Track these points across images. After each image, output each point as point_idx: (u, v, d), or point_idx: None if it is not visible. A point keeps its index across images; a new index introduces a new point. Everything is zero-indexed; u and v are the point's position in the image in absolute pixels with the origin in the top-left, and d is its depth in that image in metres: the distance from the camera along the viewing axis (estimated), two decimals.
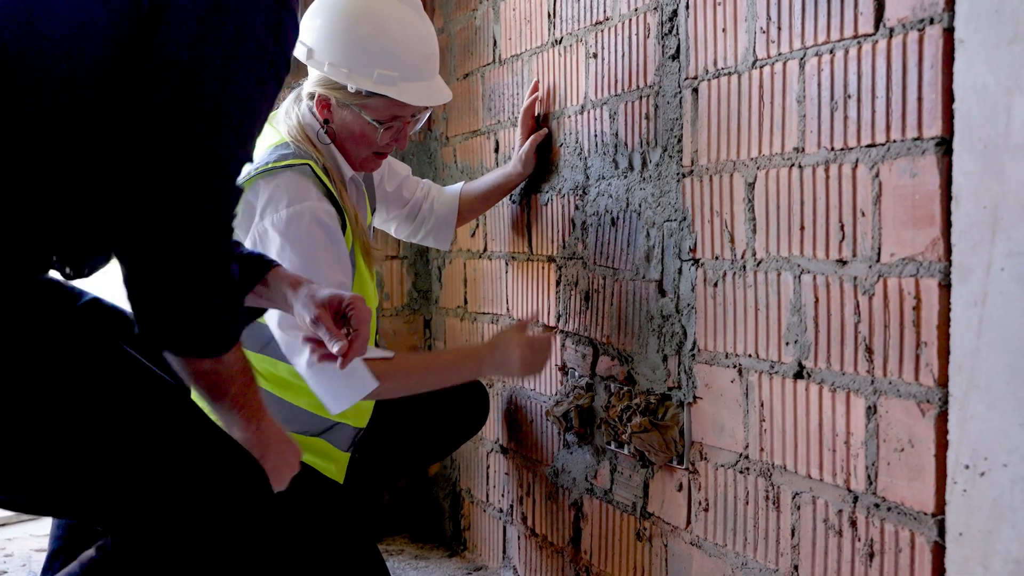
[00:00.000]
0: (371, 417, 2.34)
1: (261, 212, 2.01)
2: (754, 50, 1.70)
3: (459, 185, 2.58)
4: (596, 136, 2.20)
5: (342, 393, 1.99)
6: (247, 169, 2.00)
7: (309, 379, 1.98)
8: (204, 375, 1.42)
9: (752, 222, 1.71)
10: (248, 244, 2.02)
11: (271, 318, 2.00)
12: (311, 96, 2.14)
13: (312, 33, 2.11)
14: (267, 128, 2.18)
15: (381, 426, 2.43)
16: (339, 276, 2.01)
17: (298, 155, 2.08)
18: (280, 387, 2.11)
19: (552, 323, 2.42)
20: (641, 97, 2.03)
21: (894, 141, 1.42)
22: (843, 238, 1.52)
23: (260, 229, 2.00)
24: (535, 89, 2.42)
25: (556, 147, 2.37)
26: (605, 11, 2.15)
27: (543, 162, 2.42)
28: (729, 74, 1.76)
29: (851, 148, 1.50)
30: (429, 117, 3.16)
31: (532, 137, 2.39)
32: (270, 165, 2.03)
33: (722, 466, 1.81)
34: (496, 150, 2.71)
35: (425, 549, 3.06)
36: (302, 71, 2.18)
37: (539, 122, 2.42)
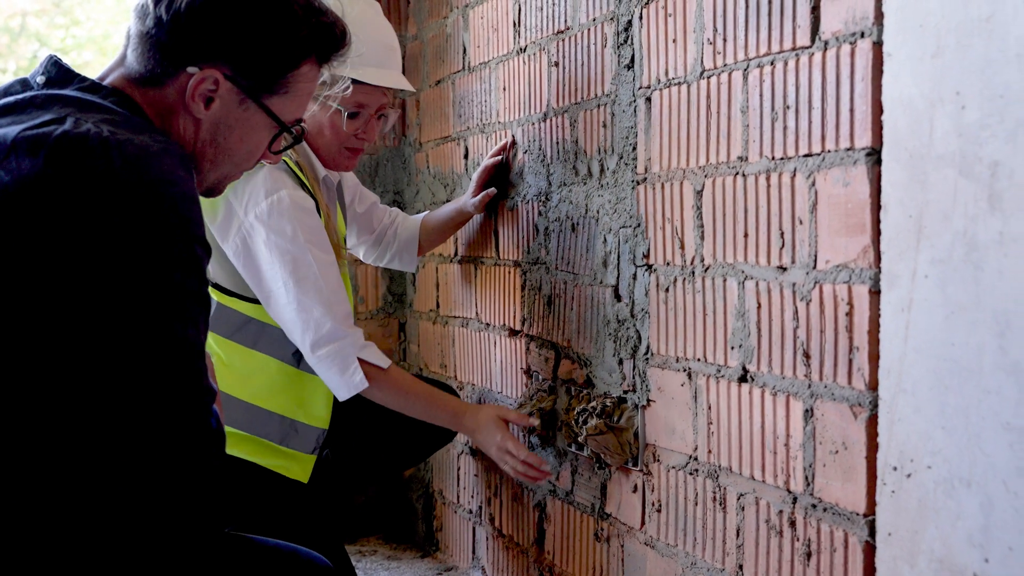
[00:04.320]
0: (347, 422, 2.40)
1: (245, 209, 2.10)
2: (702, 61, 1.73)
3: (422, 214, 2.67)
4: (558, 143, 2.24)
5: (340, 386, 2.14)
6: None
7: (313, 365, 2.13)
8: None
9: (700, 229, 1.75)
10: (237, 241, 2.10)
11: (278, 296, 2.09)
12: (299, 136, 2.19)
13: None
14: None
15: (357, 431, 2.48)
16: (324, 255, 2.11)
17: None
18: (241, 382, 2.15)
19: (517, 327, 2.45)
20: (599, 105, 2.06)
21: (829, 151, 1.46)
22: (783, 245, 1.56)
23: (247, 225, 2.09)
24: (501, 151, 2.48)
25: (521, 155, 2.41)
26: (566, 20, 2.19)
27: (503, 178, 2.48)
28: (679, 84, 1.80)
29: (790, 157, 1.53)
30: (404, 121, 3.20)
31: (483, 195, 2.50)
32: None
33: (673, 468, 1.85)
34: (466, 156, 2.75)
35: (398, 550, 3.09)
36: None
37: (497, 171, 2.50)
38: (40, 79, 1.36)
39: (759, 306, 1.61)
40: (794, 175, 1.53)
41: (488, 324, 2.63)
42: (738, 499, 1.67)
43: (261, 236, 2.08)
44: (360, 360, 2.13)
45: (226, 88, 1.41)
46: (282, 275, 2.08)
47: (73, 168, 1.22)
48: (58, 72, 1.36)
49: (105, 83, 1.38)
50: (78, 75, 1.36)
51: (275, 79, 1.45)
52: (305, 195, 2.13)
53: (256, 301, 2.15)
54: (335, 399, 2.25)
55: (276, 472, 2.19)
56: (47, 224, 1.21)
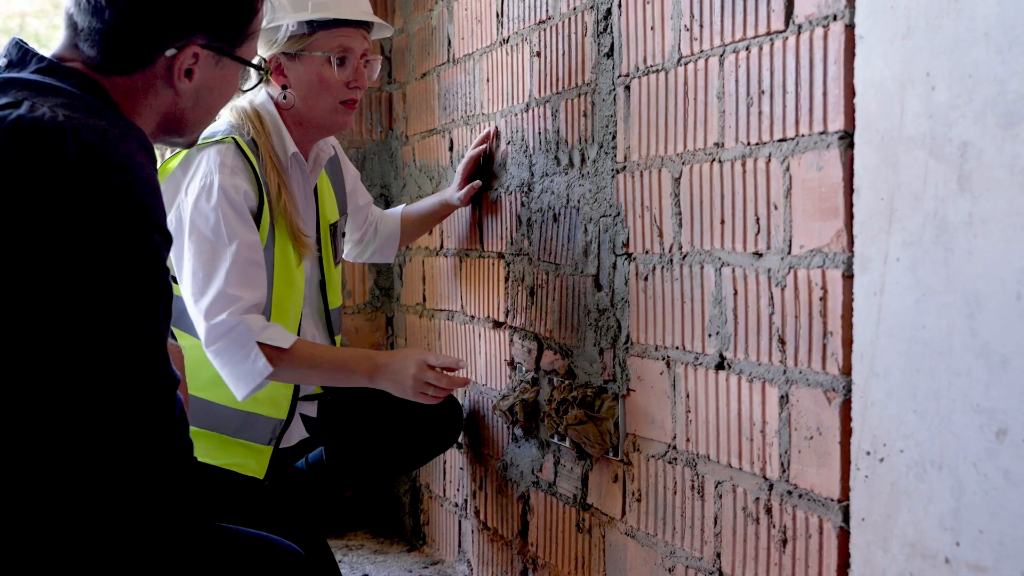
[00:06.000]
0: (345, 426, 2.41)
1: (187, 187, 2.07)
2: (679, 47, 1.73)
3: (400, 207, 2.67)
4: (540, 134, 2.23)
5: (241, 377, 2.01)
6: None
7: (212, 360, 2.02)
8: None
9: (678, 216, 1.74)
10: (172, 217, 2.05)
11: (186, 283, 2.03)
12: (267, 71, 2.13)
13: None
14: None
15: (354, 437, 2.47)
16: (245, 249, 2.02)
17: (227, 132, 2.11)
18: (191, 373, 2.06)
19: (501, 319, 2.44)
20: (580, 94, 2.06)
21: (803, 135, 1.45)
22: (759, 231, 1.55)
23: (181, 203, 2.05)
24: (484, 140, 2.47)
25: (504, 146, 2.40)
26: (547, 10, 2.18)
27: (487, 169, 2.47)
28: (657, 71, 1.79)
29: (765, 143, 1.53)
30: (391, 115, 3.20)
31: (468, 188, 2.49)
32: (201, 142, 2.06)
33: (653, 457, 1.84)
34: (451, 148, 2.74)
35: (385, 544, 3.08)
36: None
37: (482, 161, 2.49)
38: (1, 62, 1.35)
39: (735, 293, 1.60)
40: (769, 160, 1.52)
41: (473, 317, 2.62)
42: (716, 487, 1.67)
43: (187, 218, 2.03)
44: (260, 344, 1.99)
45: (203, 55, 1.41)
46: (193, 263, 2.01)
47: (27, 153, 1.21)
48: (18, 54, 1.34)
49: (64, 65, 1.36)
50: (37, 55, 1.34)
51: (243, 30, 1.46)
52: (242, 182, 2.06)
53: None
54: (296, 392, 2.19)
55: (232, 471, 2.13)
56: (1, 210, 1.20)
